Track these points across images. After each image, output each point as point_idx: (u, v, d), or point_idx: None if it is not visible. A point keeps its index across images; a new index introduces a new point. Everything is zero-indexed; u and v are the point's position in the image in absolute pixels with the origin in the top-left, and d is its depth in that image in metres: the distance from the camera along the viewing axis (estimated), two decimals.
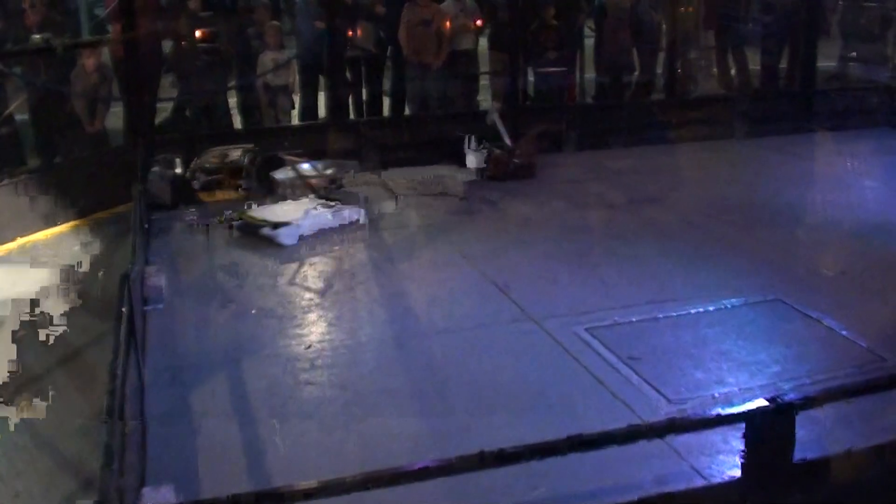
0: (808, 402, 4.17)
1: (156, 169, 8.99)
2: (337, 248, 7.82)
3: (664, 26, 12.62)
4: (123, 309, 4.81)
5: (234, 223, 8.25)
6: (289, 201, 8.73)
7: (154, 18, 10.45)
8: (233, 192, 9.11)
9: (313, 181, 9.23)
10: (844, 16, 15.50)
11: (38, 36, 10.04)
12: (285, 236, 7.89)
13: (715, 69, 13.92)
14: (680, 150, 10.43)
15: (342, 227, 8.25)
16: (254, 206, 8.52)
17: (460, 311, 6.43)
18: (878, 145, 11.43)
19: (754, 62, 14.19)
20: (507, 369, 5.53)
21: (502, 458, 3.69)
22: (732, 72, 14.00)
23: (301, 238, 7.95)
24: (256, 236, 7.97)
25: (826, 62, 14.87)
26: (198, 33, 10.95)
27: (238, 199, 8.95)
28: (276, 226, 7.96)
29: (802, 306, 6.34)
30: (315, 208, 8.35)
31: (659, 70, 12.88)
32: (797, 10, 13.11)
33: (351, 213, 8.37)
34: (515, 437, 3.89)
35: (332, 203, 8.53)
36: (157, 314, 6.45)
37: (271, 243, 7.87)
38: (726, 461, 4.43)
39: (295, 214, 8.18)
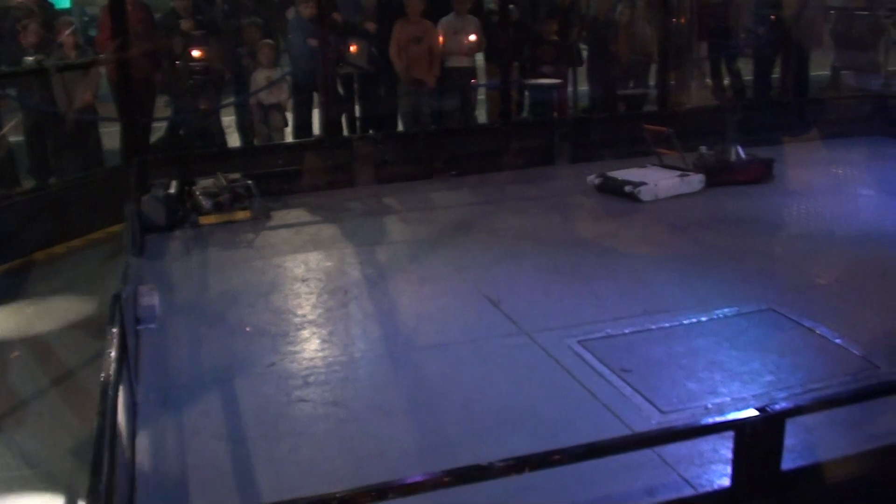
0: (797, 411, 4.18)
1: (152, 190, 9.02)
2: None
3: (656, 39, 12.65)
4: (115, 329, 4.82)
5: (596, 181, 9.78)
6: (637, 168, 10.08)
7: (147, 38, 10.53)
8: (238, 214, 9.14)
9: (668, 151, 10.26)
10: (836, 25, 15.56)
11: (31, 58, 10.09)
12: (645, 193, 9.37)
13: (708, 80, 13.98)
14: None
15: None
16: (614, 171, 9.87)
17: (453, 325, 6.44)
18: (871, 153, 11.47)
19: (747, 72, 14.26)
20: (499, 383, 5.53)
21: (492, 471, 3.69)
22: (726, 82, 14.06)
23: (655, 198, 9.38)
24: (616, 193, 9.55)
25: (819, 71, 14.96)
26: (192, 53, 10.99)
27: (242, 221, 9.05)
28: (637, 185, 9.41)
29: (796, 315, 6.35)
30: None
31: (652, 82, 12.92)
32: (790, 21, 13.18)
33: (694, 181, 9.75)
34: (507, 451, 3.90)
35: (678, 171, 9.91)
36: (149, 334, 6.46)
37: (270, 256, 7.98)
38: (716, 470, 4.42)
39: (651, 178, 9.68)
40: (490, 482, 3.74)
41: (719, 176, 9.95)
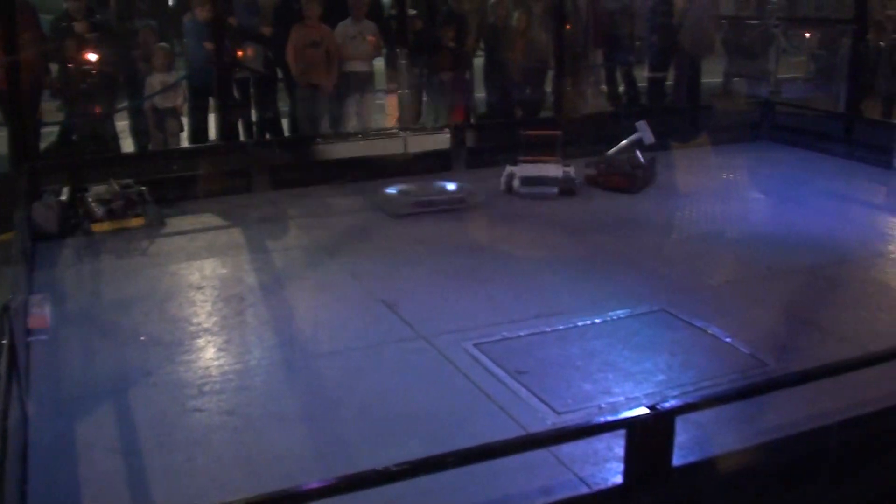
0: (686, 408, 4.29)
1: (43, 197, 8.82)
2: None
3: (552, 46, 12.83)
4: (3, 341, 4.71)
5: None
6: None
7: (33, 41, 10.27)
8: (132, 221, 8.95)
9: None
10: (728, 34, 16.02)
11: None
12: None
13: (603, 87, 14.23)
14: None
15: None
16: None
17: (350, 331, 6.43)
18: (760, 158, 11.80)
19: (643, 79, 14.56)
20: (396, 388, 5.55)
21: (389, 475, 3.70)
22: (620, 89, 14.33)
23: None
24: None
25: (711, 78, 15.35)
26: (84, 56, 10.79)
27: (136, 228, 8.86)
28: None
29: (687, 315, 6.49)
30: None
31: (548, 88, 13.10)
32: (682, 30, 13.51)
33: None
34: (404, 455, 3.91)
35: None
36: (41, 345, 6.30)
37: (164, 264, 7.89)
38: (611, 468, 4.50)
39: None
40: (387, 486, 3.76)
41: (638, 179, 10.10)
